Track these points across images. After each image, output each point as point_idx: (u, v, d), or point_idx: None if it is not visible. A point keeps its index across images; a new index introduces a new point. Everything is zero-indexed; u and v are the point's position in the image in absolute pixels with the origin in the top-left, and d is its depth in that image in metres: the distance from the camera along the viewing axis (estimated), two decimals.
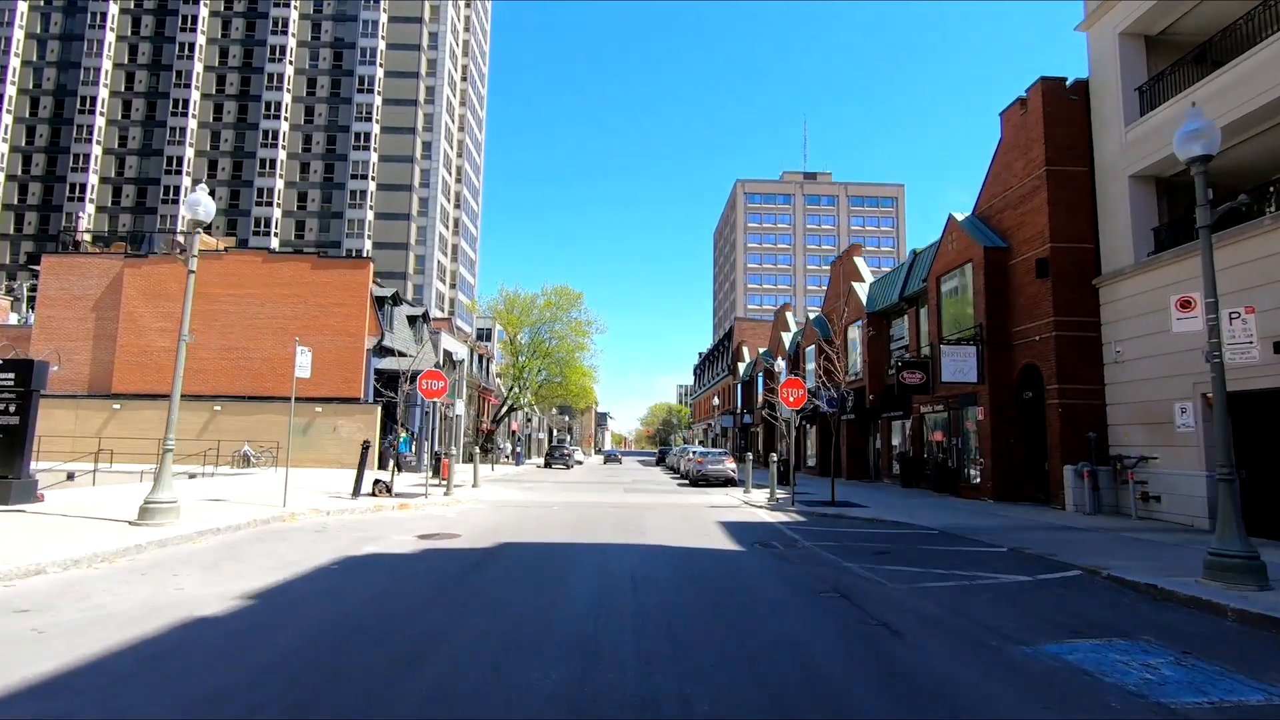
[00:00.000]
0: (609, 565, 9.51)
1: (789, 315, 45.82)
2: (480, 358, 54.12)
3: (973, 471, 20.56)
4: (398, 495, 17.18)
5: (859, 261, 32.23)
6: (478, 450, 48.83)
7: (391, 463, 22.12)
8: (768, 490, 23.32)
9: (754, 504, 18.57)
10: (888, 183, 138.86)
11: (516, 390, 50.30)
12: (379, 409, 29.90)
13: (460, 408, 30.72)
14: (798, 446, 46.56)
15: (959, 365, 19.22)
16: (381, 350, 31.50)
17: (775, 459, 20.38)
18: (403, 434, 24.28)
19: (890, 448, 28.63)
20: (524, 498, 19.78)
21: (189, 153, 71.57)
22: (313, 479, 22.43)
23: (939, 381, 20.71)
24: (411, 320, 36.52)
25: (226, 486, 18.50)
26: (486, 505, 17.04)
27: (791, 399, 18.11)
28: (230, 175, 71.38)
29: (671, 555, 10.52)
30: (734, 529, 13.71)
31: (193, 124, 72.00)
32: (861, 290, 30.10)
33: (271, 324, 30.60)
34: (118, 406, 29.88)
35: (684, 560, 10.13)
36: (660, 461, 64.80)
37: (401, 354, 32.68)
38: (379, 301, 31.82)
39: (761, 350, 50.90)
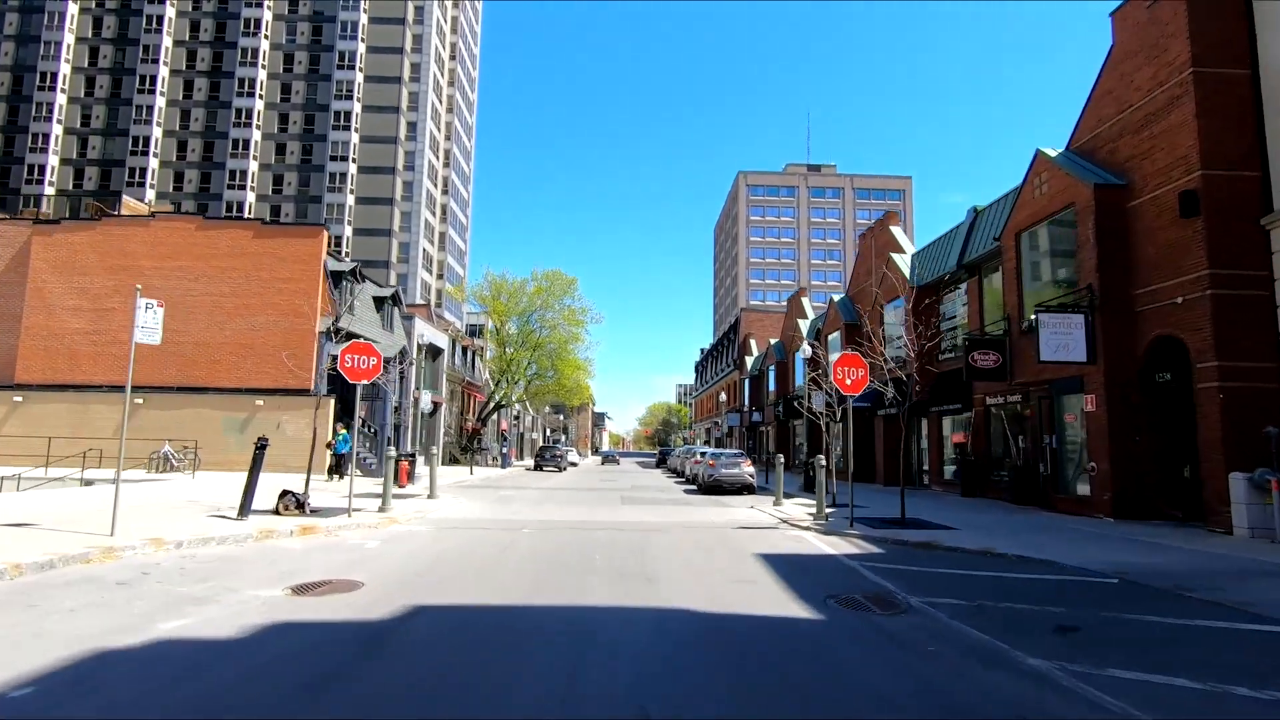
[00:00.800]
0: (593, 671, 4.88)
1: (805, 301, 41.22)
2: (466, 351, 49.50)
3: (1075, 478, 15.93)
4: (316, 512, 12.54)
5: (896, 231, 27.63)
6: (461, 452, 44.25)
7: (328, 467, 17.47)
8: (805, 502, 18.72)
9: (795, 522, 13.94)
10: (895, 174, 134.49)
11: (505, 385, 45.65)
12: (332, 401, 25.23)
13: (427, 401, 26.17)
14: (813, 447, 41.99)
15: (1062, 340, 14.60)
16: (337, 333, 26.81)
17: (818, 463, 15.68)
18: (340, 431, 19.61)
19: (940, 448, 24.02)
20: (489, 514, 15.13)
21: (157, 133, 66.84)
22: (220, 488, 17.74)
23: (1028, 362, 16.10)
24: (379, 303, 31.87)
25: (91, 499, 13.82)
26: (430, 528, 12.37)
27: (849, 381, 13.50)
28: (201, 157, 66.69)
29: (707, 636, 5.89)
30: (786, 569, 9.07)
31: (161, 102, 67.28)
32: (902, 263, 25.50)
33: (205, 302, 25.91)
34: (19, 399, 25.20)
35: (730, 649, 5.50)
36: (661, 463, 60.15)
37: (356, 336, 28.02)
38: (335, 277, 27.17)
39: (773, 342, 46.28)
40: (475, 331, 66.22)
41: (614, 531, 12.37)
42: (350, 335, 27.55)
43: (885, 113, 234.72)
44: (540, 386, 48.14)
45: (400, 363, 26.60)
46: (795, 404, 38.01)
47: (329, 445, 18.61)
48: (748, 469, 24.48)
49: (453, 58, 78.70)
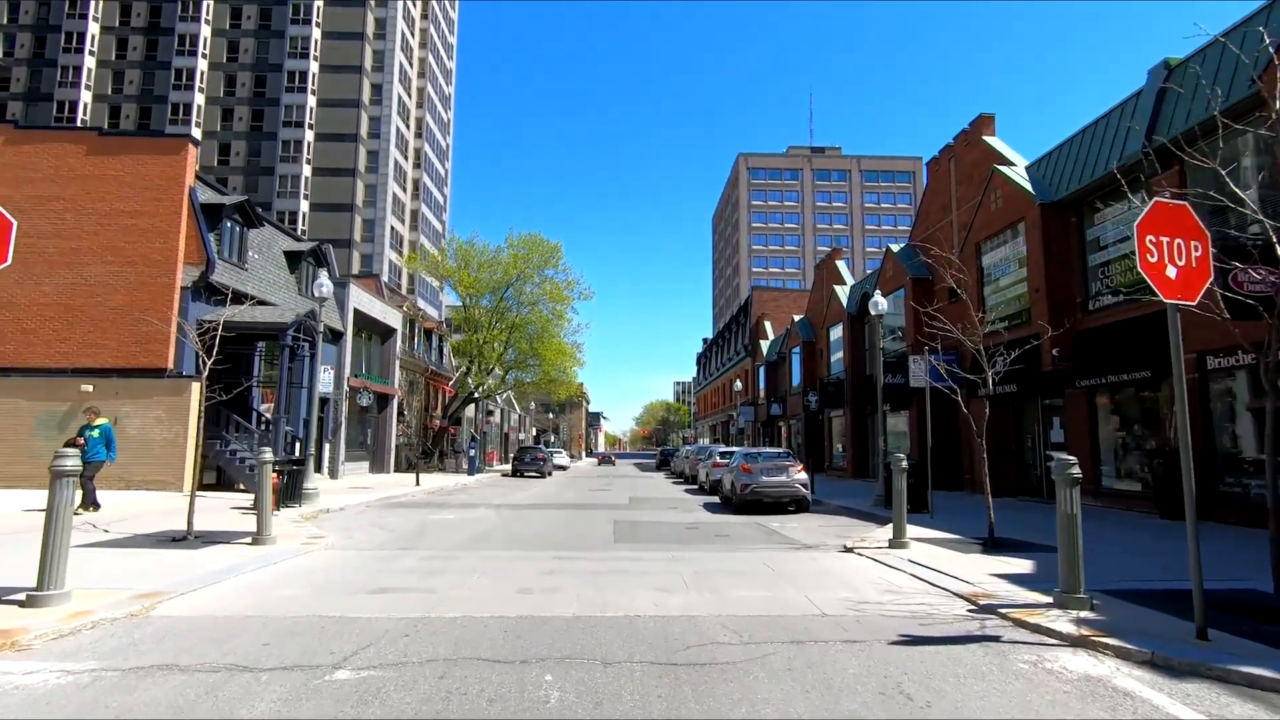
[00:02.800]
0: None
1: (841, 264, 33.51)
2: (431, 336, 41.66)
3: None
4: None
5: (995, 142, 19.90)
6: (423, 456, 36.44)
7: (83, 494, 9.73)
8: (938, 535, 10.72)
9: (1018, 614, 6.19)
10: (904, 155, 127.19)
11: (476, 373, 37.83)
12: (196, 386, 17.38)
13: (327, 381, 18.41)
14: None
15: None
16: (210, 290, 19.03)
17: (897, 464, 8.02)
18: (96, 424, 11.65)
19: (1094, 438, 16.24)
20: (309, 605, 7.33)
21: (86, 96, 58.82)
22: None
23: None
24: (293, 259, 24.05)
25: None
26: (91, 670, 4.64)
27: (1174, 271, 5.57)
28: (136, 123, 58.69)
29: None
30: None
31: (90, 62, 59.26)
32: (1017, 177, 17.77)
33: (18, 246, 18.05)
34: None
35: None
36: (663, 465, 52.44)
37: (258, 300, 20.21)
38: (210, 213, 19.35)
39: (796, 319, 38.61)
40: (459, 328, 58.20)
41: (588, 668, 4.61)
42: (238, 295, 19.82)
43: (890, 95, 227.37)
44: (519, 377, 40.32)
45: (300, 333, 18.86)
46: (829, 389, 30.30)
47: (74, 444, 10.75)
48: (799, 475, 16.79)
49: (424, 16, 70.77)
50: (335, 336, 26.72)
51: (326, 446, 26.44)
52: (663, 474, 44.42)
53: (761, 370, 47.17)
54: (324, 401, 26.11)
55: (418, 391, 38.70)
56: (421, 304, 62.39)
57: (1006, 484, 18.10)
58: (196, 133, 58.90)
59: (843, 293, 31.01)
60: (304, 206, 58.38)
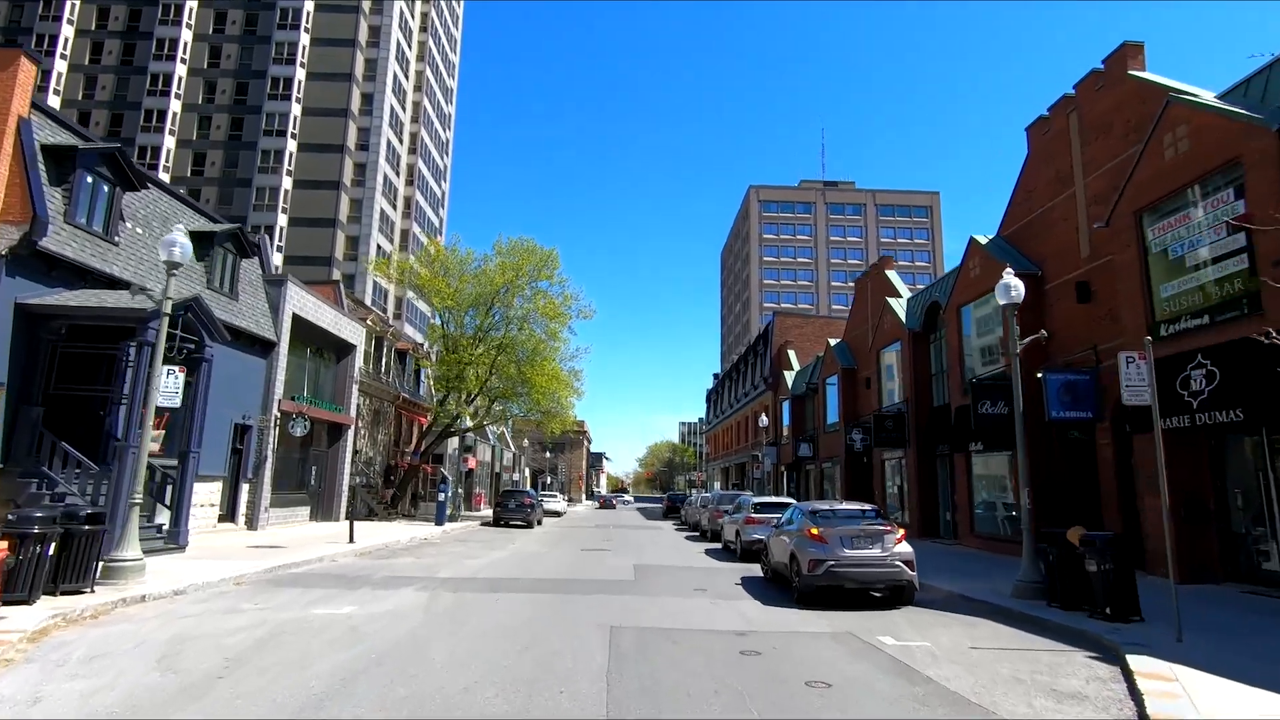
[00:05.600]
0: None
1: (892, 274, 27.85)
2: (405, 359, 36.01)
3: None
4: None
5: (1147, 76, 14.40)
6: (385, 504, 30.30)
7: None
8: (1200, 676, 4.59)
9: None
10: (920, 190, 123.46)
11: (456, 402, 32.01)
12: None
13: (172, 389, 12.61)
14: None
15: None
16: (48, 264, 13.42)
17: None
18: None
19: None
20: None
21: (55, 102, 54.55)
22: None
23: None
24: (203, 241, 18.50)
25: None
26: None
27: None
28: (107, 130, 54.28)
29: None
30: None
31: (61, 66, 55.29)
32: (1217, 104, 12.18)
33: None
34: None
35: None
36: (671, 513, 46.13)
37: (121, 283, 14.60)
38: (57, 160, 13.87)
39: (833, 342, 32.85)
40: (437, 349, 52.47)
41: None
42: (81, 270, 14.20)
43: (905, 128, 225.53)
44: (506, 407, 34.44)
45: (183, 330, 13.17)
46: (885, 424, 24.38)
47: None
48: (900, 549, 10.83)
49: (423, 29, 67.09)
50: (264, 347, 21.06)
51: (245, 489, 20.52)
52: (671, 524, 38.17)
53: (785, 405, 41.24)
54: (242, 430, 20.30)
55: (384, 423, 32.86)
56: (410, 331, 57.11)
57: (1198, 561, 12.03)
58: (170, 141, 54.55)
59: (899, 306, 25.29)
60: (282, 220, 53.49)
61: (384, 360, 32.43)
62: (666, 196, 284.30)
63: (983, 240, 19.12)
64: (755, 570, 15.66)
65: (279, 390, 21.42)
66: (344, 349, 27.09)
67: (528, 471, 67.72)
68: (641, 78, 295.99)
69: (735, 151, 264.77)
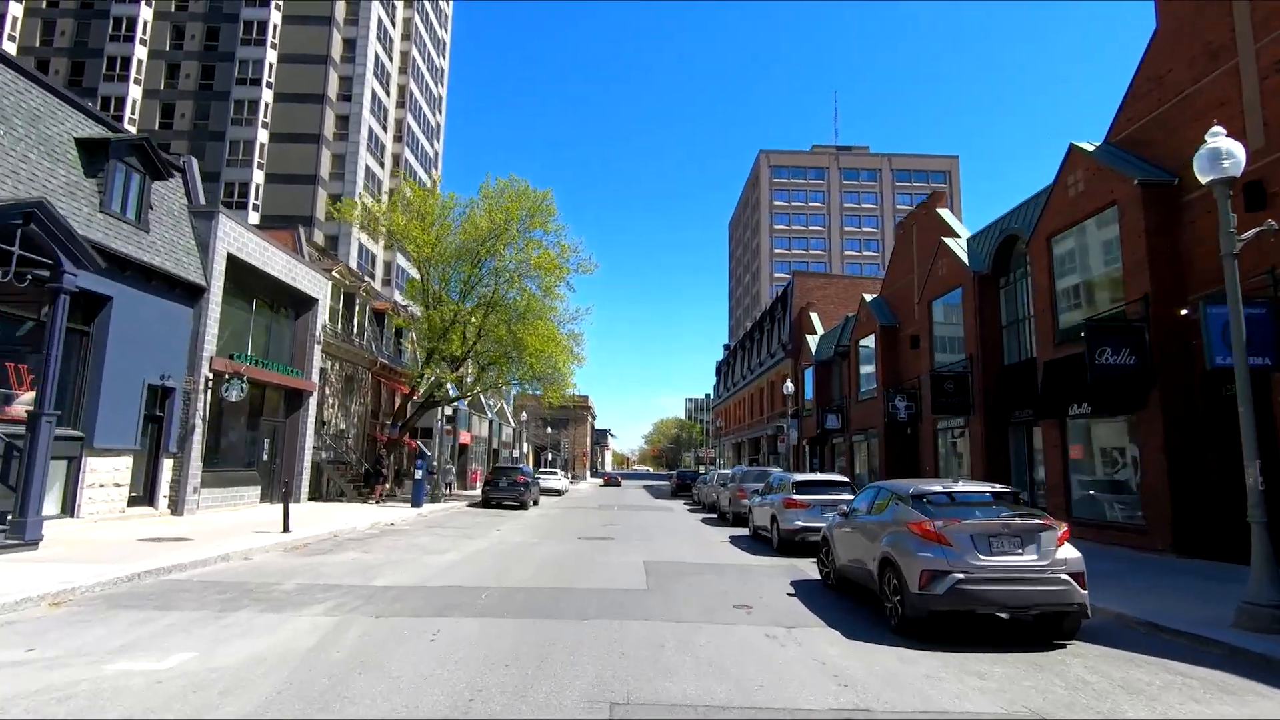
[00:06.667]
0: None
1: (944, 212, 23.70)
2: (383, 321, 32.13)
3: None
4: None
5: None
6: (359, 481, 26.32)
7: None
8: None
9: None
10: (939, 154, 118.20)
11: (436, 365, 28.19)
12: None
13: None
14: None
15: None
16: None
17: None
18: None
19: None
20: None
21: (10, 48, 50.21)
22: None
23: None
24: (95, 153, 14.52)
25: None
26: None
27: None
28: (67, 80, 50.02)
29: None
30: None
31: (16, 10, 50.87)
32: None
33: None
34: None
35: None
36: (681, 491, 42.46)
37: None
38: None
39: (869, 298, 28.82)
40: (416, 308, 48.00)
41: None
42: None
43: (919, 92, 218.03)
44: (498, 374, 30.56)
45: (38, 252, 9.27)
46: (945, 387, 20.46)
47: None
48: (1066, 555, 6.95)
49: None
50: (189, 293, 17.17)
51: (167, 465, 16.76)
52: (682, 504, 34.50)
53: (808, 374, 37.32)
54: (162, 394, 16.49)
55: (359, 391, 29.07)
56: (401, 299, 53.17)
57: None
58: (135, 90, 50.23)
59: (958, 247, 21.17)
60: (258, 177, 49.35)
61: (356, 320, 28.54)
62: (672, 167, 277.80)
63: (1088, 147, 14.96)
64: (804, 567, 11.89)
65: (209, 346, 17.56)
66: (303, 303, 23.19)
67: (527, 447, 64.17)
68: (644, 46, 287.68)
69: (743, 120, 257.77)
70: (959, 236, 22.08)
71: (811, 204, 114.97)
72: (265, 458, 21.63)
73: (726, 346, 76.17)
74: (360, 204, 28.14)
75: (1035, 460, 17.86)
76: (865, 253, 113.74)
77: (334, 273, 25.66)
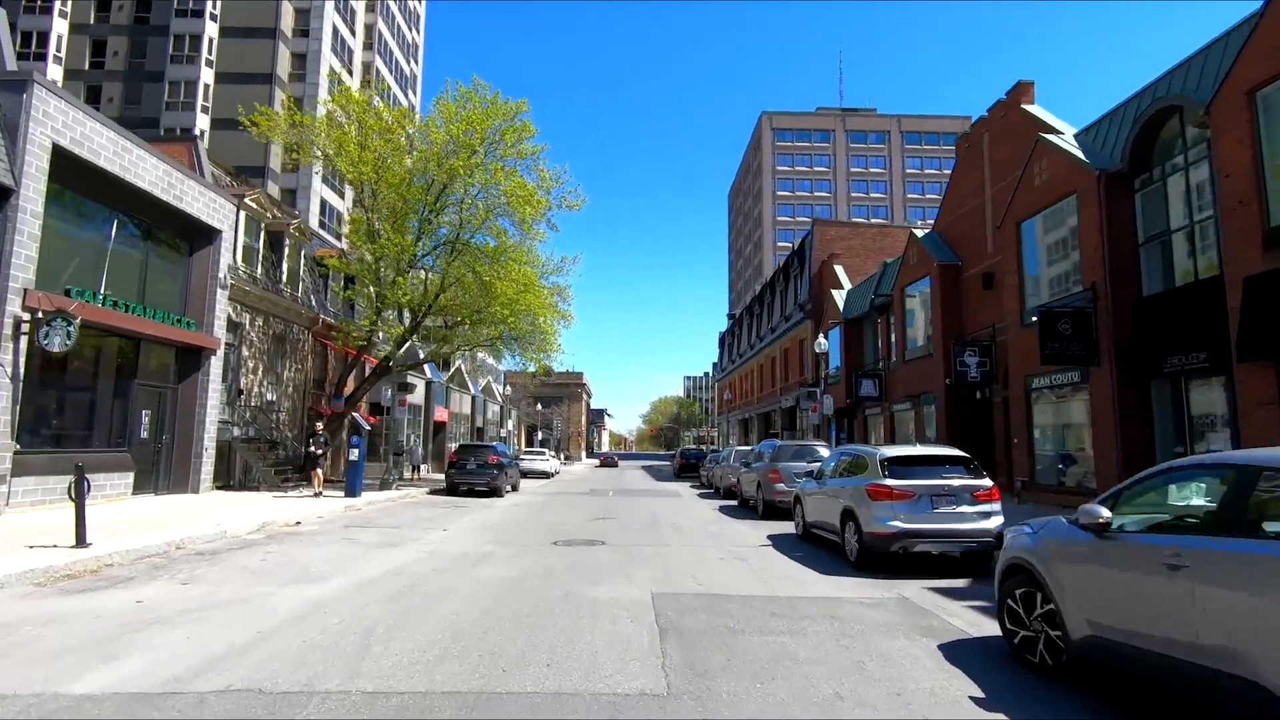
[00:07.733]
0: None
1: (1033, 108, 18.21)
2: (327, 271, 26.61)
3: None
4: None
5: None
6: (288, 466, 20.47)
7: None
8: None
9: None
10: (951, 115, 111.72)
11: (377, 315, 22.81)
12: None
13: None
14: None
15: None
16: None
17: None
18: None
19: None
20: None
21: None
22: None
23: None
24: None
25: None
26: None
27: None
28: None
29: None
30: None
31: None
32: None
33: None
34: None
35: None
36: (686, 472, 37.35)
37: None
38: None
39: (920, 233, 23.42)
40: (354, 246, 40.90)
41: None
42: None
43: (927, 52, 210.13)
44: (471, 331, 25.13)
45: None
46: (1060, 330, 15.15)
47: None
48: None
49: None
50: None
51: None
52: (689, 487, 29.39)
53: (834, 335, 32.03)
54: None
55: (294, 354, 23.71)
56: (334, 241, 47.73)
57: None
58: (62, 25, 44.08)
59: (1066, 144, 15.69)
60: (203, 122, 43.49)
61: (287, 266, 23.07)
62: (672, 135, 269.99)
63: (1028, 105, 9.54)
64: (928, 602, 6.64)
65: (23, 274, 12.15)
66: (199, 234, 17.75)
67: (511, 426, 58.99)
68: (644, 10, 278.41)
69: (743, 85, 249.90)
70: (1061, 133, 16.61)
71: (817, 169, 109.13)
72: (145, 435, 16.29)
73: (731, 315, 70.83)
74: (284, 115, 22.36)
75: (1197, 428, 12.63)
76: (874, 220, 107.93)
77: (247, 199, 20.12)
